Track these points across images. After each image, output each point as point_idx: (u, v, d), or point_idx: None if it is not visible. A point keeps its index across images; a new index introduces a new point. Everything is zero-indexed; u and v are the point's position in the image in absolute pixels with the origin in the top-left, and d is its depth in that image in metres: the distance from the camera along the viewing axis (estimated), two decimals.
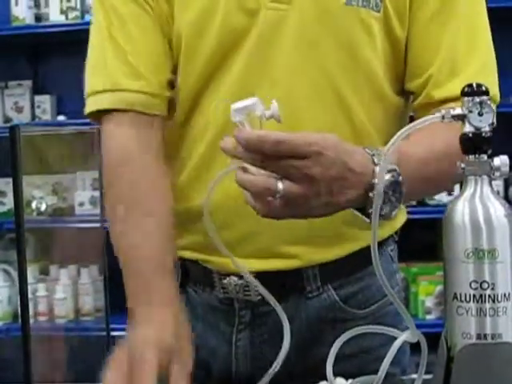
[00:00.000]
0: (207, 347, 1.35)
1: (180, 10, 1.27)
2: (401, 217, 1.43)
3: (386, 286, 0.99)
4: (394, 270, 1.41)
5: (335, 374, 1.09)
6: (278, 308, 1.11)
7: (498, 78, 1.32)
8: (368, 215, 1.07)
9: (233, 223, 1.23)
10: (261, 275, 1.23)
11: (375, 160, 1.07)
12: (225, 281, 1.30)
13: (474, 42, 1.31)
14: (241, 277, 1.27)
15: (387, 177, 1.07)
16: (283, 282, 1.28)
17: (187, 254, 1.34)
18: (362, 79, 1.27)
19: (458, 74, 1.28)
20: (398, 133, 0.95)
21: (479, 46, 1.32)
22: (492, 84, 1.28)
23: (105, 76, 1.29)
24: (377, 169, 1.06)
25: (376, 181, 1.04)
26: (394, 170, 1.08)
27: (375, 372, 1.05)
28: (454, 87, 1.24)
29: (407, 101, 1.37)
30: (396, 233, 1.45)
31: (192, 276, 1.36)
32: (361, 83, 1.27)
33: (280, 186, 1.01)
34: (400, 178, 1.08)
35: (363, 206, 1.08)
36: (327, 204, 1.06)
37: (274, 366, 1.11)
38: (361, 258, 1.29)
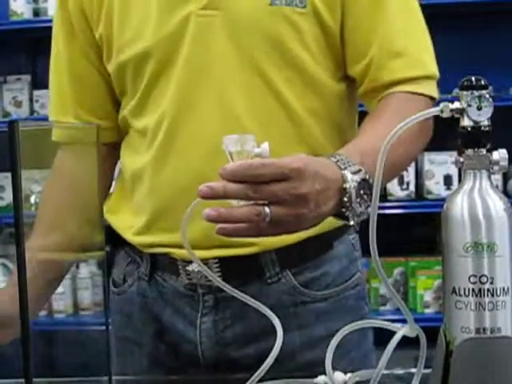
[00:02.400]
0: (175, 331, 1.40)
1: (119, 32, 1.37)
2: None
3: (385, 281, 0.99)
4: (356, 257, 1.46)
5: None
6: (266, 310, 1.12)
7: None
8: (347, 218, 1.12)
9: (193, 221, 1.22)
10: (222, 262, 1.32)
11: (340, 164, 1.12)
12: (188, 267, 1.36)
13: (410, 22, 1.37)
14: (204, 263, 1.30)
15: (356, 178, 1.11)
16: (244, 268, 1.34)
17: (154, 250, 1.41)
18: (293, 72, 1.34)
19: (400, 53, 1.34)
20: (393, 131, 0.95)
21: (415, 26, 1.38)
22: (432, 62, 1.37)
23: (52, 111, 1.55)
24: (345, 173, 1.10)
25: (348, 186, 1.10)
26: (360, 170, 1.12)
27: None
28: (400, 68, 1.34)
29: (353, 85, 1.41)
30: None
31: (159, 265, 1.42)
32: (292, 76, 1.34)
33: (267, 209, 1.04)
34: (367, 175, 1.12)
35: (341, 211, 1.12)
36: (316, 217, 1.09)
37: (263, 365, 1.11)
38: (319, 244, 1.36)
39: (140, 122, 1.40)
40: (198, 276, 1.35)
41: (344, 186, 1.10)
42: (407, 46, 1.34)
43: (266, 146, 1.06)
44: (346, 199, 1.10)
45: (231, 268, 1.33)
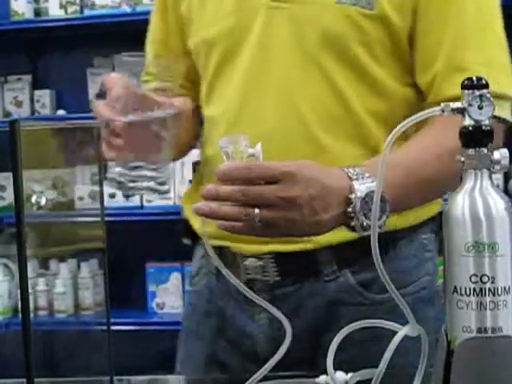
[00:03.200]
0: (236, 326, 1.42)
1: (197, 16, 1.40)
2: (432, 206, 1.41)
3: (387, 281, 0.99)
4: (427, 258, 1.44)
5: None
6: (267, 305, 1.13)
7: None
8: (353, 229, 1.11)
9: None
10: (278, 258, 1.33)
11: (350, 175, 1.11)
12: (246, 262, 1.37)
13: (483, 34, 1.31)
14: (260, 258, 1.35)
15: (364, 189, 1.10)
16: (299, 265, 1.34)
17: (217, 243, 1.38)
18: (354, 72, 1.32)
19: (464, 68, 1.28)
20: (396, 129, 0.95)
21: (489, 39, 1.32)
22: (503, 80, 1.28)
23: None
24: (353, 183, 1.10)
25: (353, 196, 1.09)
26: (373, 182, 1.10)
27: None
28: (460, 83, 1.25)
29: (423, 94, 1.37)
30: (432, 220, 1.45)
31: (224, 260, 1.40)
32: (353, 75, 1.32)
33: (256, 211, 1.05)
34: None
35: (348, 222, 1.11)
36: (314, 223, 1.09)
37: (270, 361, 1.11)
38: (380, 243, 1.30)
39: (208, 110, 1.43)
40: (255, 271, 1.36)
41: (349, 196, 1.10)
42: (474, 60, 1.29)
43: (258, 146, 1.07)
44: (350, 209, 1.10)
45: (287, 264, 1.34)
